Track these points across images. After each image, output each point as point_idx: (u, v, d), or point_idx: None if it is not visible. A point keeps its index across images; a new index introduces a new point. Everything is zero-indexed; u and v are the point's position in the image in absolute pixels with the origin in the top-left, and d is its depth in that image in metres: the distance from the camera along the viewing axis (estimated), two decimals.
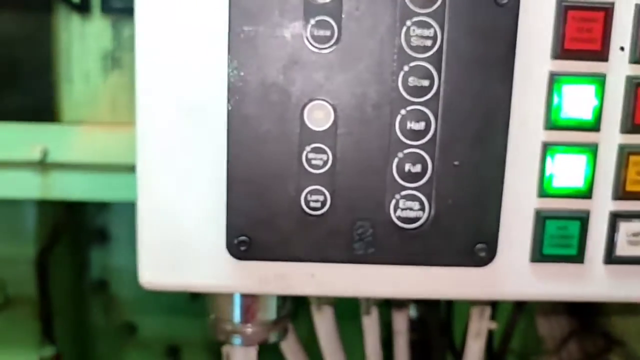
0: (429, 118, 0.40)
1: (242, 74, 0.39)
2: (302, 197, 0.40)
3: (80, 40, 0.87)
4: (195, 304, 1.02)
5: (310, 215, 0.40)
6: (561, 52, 0.40)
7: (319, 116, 0.39)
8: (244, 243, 0.40)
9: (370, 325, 0.61)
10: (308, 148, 0.40)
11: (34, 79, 0.86)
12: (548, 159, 0.42)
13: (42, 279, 0.95)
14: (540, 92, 0.41)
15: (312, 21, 0.38)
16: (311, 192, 0.40)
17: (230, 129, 0.39)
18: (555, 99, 0.41)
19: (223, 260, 0.41)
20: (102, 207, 1.08)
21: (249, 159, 0.40)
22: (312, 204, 0.40)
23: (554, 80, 0.41)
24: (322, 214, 0.40)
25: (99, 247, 1.07)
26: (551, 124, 0.41)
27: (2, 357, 0.97)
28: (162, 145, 0.40)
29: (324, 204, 0.40)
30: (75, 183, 0.88)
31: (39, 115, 0.86)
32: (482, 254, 0.41)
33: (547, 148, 0.42)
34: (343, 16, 0.38)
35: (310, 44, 0.39)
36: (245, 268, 0.41)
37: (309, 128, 0.40)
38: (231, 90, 0.39)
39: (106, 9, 0.87)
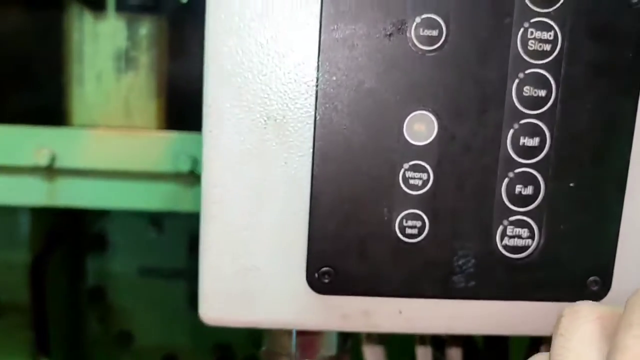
0: (544, 133, 0.35)
1: (334, 78, 0.33)
2: (397, 222, 0.35)
3: (93, 39, 0.81)
4: (193, 313, 0.98)
5: (405, 242, 0.35)
6: None
7: (420, 129, 0.34)
8: (328, 275, 0.35)
9: (424, 355, 0.56)
10: (406, 165, 0.34)
11: (44, 80, 0.80)
12: None
13: (36, 286, 0.91)
14: None
15: (418, 19, 0.33)
16: (407, 217, 0.35)
17: (317, 142, 0.34)
18: None
19: (302, 294, 0.35)
20: (100, 213, 1.03)
21: (337, 177, 0.34)
22: (408, 230, 0.35)
23: None
24: (419, 242, 0.35)
25: (96, 254, 1.03)
26: None
27: None
28: (234, 160, 0.35)
29: (421, 230, 0.35)
30: (84, 190, 0.82)
31: (49, 118, 0.80)
32: (595, 288, 0.36)
33: None
34: (451, 14, 0.33)
35: (414, 45, 0.33)
36: (327, 303, 0.36)
37: (408, 142, 0.34)
38: (320, 97, 0.33)
39: (121, 7, 0.81)
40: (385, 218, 0.35)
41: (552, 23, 0.34)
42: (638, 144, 0.36)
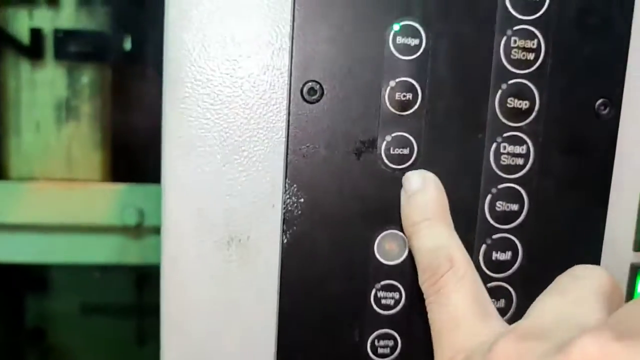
0: (516, 247, 0.34)
1: (301, 200, 0.31)
2: (369, 343, 0.33)
3: (31, 88, 0.77)
4: (141, 352, 0.94)
5: None
6: None
7: (391, 248, 0.33)
8: None
9: None
10: (378, 285, 0.33)
11: None
12: None
13: None
14: (632, 209, 0.36)
15: (388, 137, 0.32)
16: (380, 337, 0.33)
17: (285, 266, 0.32)
18: None
19: None
20: None
21: (305, 301, 0.32)
22: (381, 351, 0.33)
23: None
24: None
25: (36, 293, 1.00)
26: None
27: None
28: (195, 285, 0.32)
29: (393, 350, 0.33)
30: (23, 245, 0.78)
31: None
32: None
33: (637, 272, 0.37)
34: (423, 136, 0.32)
35: (385, 164, 0.32)
36: None
37: (379, 262, 0.33)
38: (288, 220, 0.32)
39: (60, 54, 0.77)
40: (357, 339, 0.33)
41: (524, 137, 0.33)
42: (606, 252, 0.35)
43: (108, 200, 0.73)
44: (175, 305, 0.33)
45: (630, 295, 0.37)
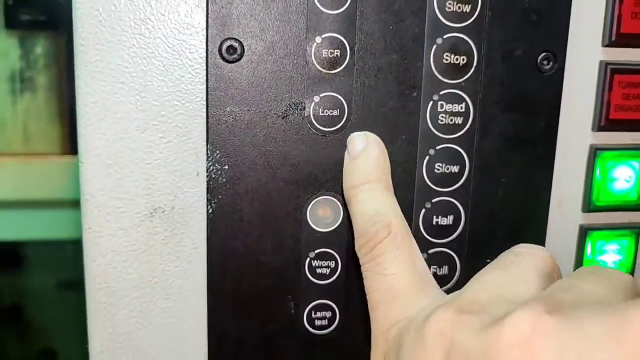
0: (458, 210, 0.32)
1: (225, 167, 0.30)
2: (305, 315, 0.32)
3: None
4: None
5: (316, 336, 0.32)
6: (605, 123, 0.34)
7: (325, 214, 0.31)
8: None
9: None
10: (312, 254, 0.31)
11: None
12: (588, 246, 0.35)
13: None
14: (579, 170, 0.34)
15: (316, 98, 0.30)
16: (316, 308, 0.32)
17: (212, 237, 0.30)
18: (597, 177, 0.34)
19: None
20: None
21: (236, 271, 0.31)
22: (318, 322, 0.32)
23: (596, 155, 0.34)
24: (330, 334, 0.32)
25: (9, 270, 0.98)
26: (591, 205, 0.35)
27: None
28: (118, 256, 0.31)
29: (331, 321, 0.32)
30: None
31: None
32: None
33: (586, 233, 0.35)
34: (353, 96, 0.30)
35: (314, 126, 0.30)
36: None
37: (312, 230, 0.31)
38: (212, 188, 0.30)
39: (12, 23, 0.74)
40: (292, 311, 0.32)
41: (462, 94, 0.31)
42: (552, 211, 0.34)
43: (67, 174, 0.71)
44: (99, 282, 0.31)
45: (579, 257, 0.36)
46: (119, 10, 0.28)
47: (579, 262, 0.36)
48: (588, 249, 0.35)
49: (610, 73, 0.33)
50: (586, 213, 0.35)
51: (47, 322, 0.99)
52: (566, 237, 0.35)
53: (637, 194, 0.35)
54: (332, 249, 0.31)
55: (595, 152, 0.34)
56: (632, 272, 0.36)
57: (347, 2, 0.29)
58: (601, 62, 0.33)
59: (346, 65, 0.30)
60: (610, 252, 0.36)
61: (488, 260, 0.30)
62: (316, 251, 0.31)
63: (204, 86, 0.29)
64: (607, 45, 0.33)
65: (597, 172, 0.34)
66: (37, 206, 0.74)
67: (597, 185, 0.35)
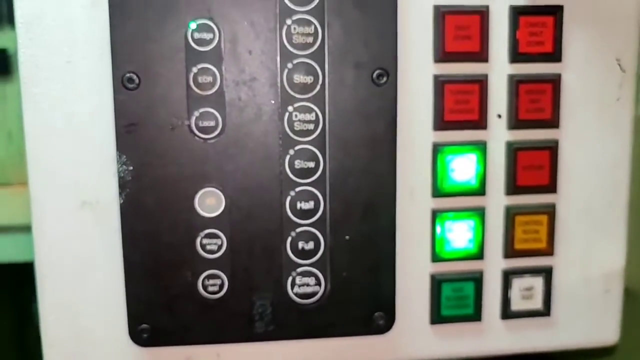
0: (317, 197, 0.41)
1: (130, 168, 0.39)
2: (200, 283, 0.41)
3: (1, 101, 0.86)
4: None
5: (209, 299, 0.41)
6: (441, 123, 0.42)
7: (210, 202, 0.40)
8: (146, 331, 0.41)
9: None
10: (202, 234, 0.41)
11: None
12: (438, 226, 0.43)
13: None
14: (425, 163, 0.43)
15: (197, 113, 0.39)
16: (208, 277, 0.41)
17: (124, 222, 0.40)
18: (440, 168, 0.43)
19: (128, 349, 0.42)
20: None
21: (144, 249, 0.40)
22: (210, 288, 0.41)
23: (437, 150, 0.42)
24: (221, 297, 0.41)
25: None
26: (438, 192, 0.43)
27: None
28: (58, 240, 0.41)
29: (221, 287, 0.41)
30: (5, 246, 0.87)
31: None
32: (381, 322, 0.43)
33: (436, 215, 0.43)
34: (227, 108, 0.39)
35: (196, 135, 0.40)
36: (151, 354, 0.42)
37: (200, 215, 0.40)
38: (122, 184, 0.40)
39: None
40: (190, 280, 0.41)
41: (312, 106, 0.40)
42: (403, 198, 0.42)
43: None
44: (45, 260, 0.41)
45: (433, 236, 0.44)
46: (51, 53, 0.39)
47: (433, 241, 0.44)
48: (438, 229, 0.43)
49: (441, 84, 0.42)
50: (435, 198, 0.43)
51: None
52: (421, 220, 0.43)
53: (477, 182, 0.43)
54: (218, 229, 0.41)
55: (436, 147, 0.43)
56: (482, 249, 0.44)
57: (214, 42, 0.39)
58: (434, 75, 0.42)
59: (217, 88, 0.39)
60: (457, 231, 0.44)
61: (347, 237, 0.39)
62: (205, 231, 0.41)
63: (112, 107, 0.39)
64: (437, 61, 0.42)
65: (438, 164, 0.43)
66: None
67: (441, 174, 0.43)
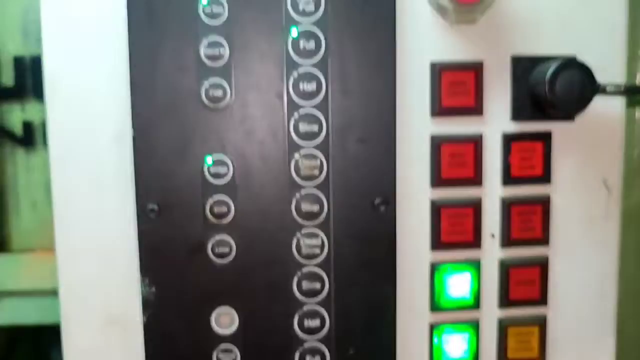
0: (324, 317, 0.44)
1: (152, 289, 0.43)
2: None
3: (26, 172, 0.91)
4: None
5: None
6: (439, 244, 0.46)
7: (225, 321, 0.44)
8: None
9: None
10: (218, 348, 0.44)
11: None
12: (435, 338, 0.47)
13: None
14: (423, 281, 0.46)
15: (212, 240, 0.43)
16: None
17: (147, 339, 0.44)
18: (437, 285, 0.46)
19: None
20: None
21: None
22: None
23: (435, 269, 0.46)
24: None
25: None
26: (435, 306, 0.46)
27: None
28: (86, 349, 0.44)
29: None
30: (27, 309, 0.90)
31: None
32: None
33: (433, 328, 0.47)
34: (239, 233, 0.43)
35: (214, 261, 0.43)
36: None
37: (215, 333, 0.44)
38: (145, 304, 0.43)
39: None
40: None
41: (319, 232, 0.44)
42: (402, 314, 0.46)
43: None
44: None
45: (430, 346, 0.47)
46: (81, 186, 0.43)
47: (430, 353, 0.47)
48: (435, 340, 0.47)
49: (438, 207, 0.45)
50: (433, 312, 0.47)
51: None
52: (418, 332, 0.47)
53: (472, 297, 0.47)
54: (233, 344, 0.44)
55: (433, 267, 0.46)
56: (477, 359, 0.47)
57: (229, 176, 0.43)
58: (431, 200, 0.46)
59: (232, 217, 0.43)
60: (453, 343, 0.47)
61: (351, 352, 0.43)
62: (221, 346, 0.44)
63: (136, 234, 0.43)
64: (434, 186, 0.45)
65: (436, 281, 0.46)
66: None
67: (438, 291, 0.46)
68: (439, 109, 0.45)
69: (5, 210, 0.91)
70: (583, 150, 0.47)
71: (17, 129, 0.90)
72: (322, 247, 0.44)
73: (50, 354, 1.10)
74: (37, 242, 0.92)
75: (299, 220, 0.44)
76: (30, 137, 0.90)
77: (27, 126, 0.90)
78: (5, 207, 0.91)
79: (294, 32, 0.42)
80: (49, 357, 1.10)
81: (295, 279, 0.44)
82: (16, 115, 0.88)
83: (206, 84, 0.42)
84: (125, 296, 0.44)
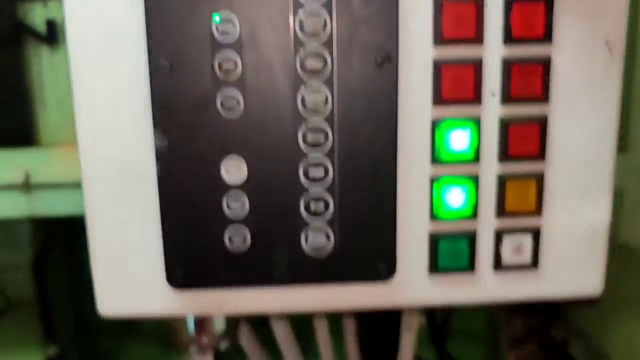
0: (327, 167, 0.47)
1: (165, 143, 0.46)
2: (226, 237, 0.48)
3: (51, 68, 0.93)
4: None
5: (234, 251, 0.48)
6: (440, 100, 0.48)
7: (233, 170, 0.47)
8: (180, 275, 0.49)
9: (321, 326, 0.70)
10: (227, 197, 0.47)
11: (11, 107, 0.93)
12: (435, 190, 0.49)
13: (39, 283, 1.03)
14: (425, 134, 0.48)
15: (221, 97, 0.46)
16: (233, 232, 0.48)
17: (161, 189, 0.47)
18: (438, 139, 0.48)
19: (165, 290, 0.49)
20: None
21: (179, 209, 0.47)
22: (236, 242, 0.48)
23: (435, 125, 0.48)
24: (245, 250, 0.48)
25: None
26: (436, 159, 0.49)
27: (8, 358, 1.05)
28: (106, 199, 0.48)
29: (244, 241, 0.48)
30: (58, 201, 0.95)
31: (19, 140, 0.93)
32: (384, 270, 0.49)
33: (433, 180, 0.49)
34: (247, 86, 0.46)
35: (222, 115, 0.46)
36: (184, 296, 0.49)
37: (225, 182, 0.47)
38: (158, 157, 0.46)
39: None
40: (218, 233, 0.48)
41: (323, 88, 0.46)
42: (403, 165, 0.48)
43: None
44: (94, 216, 0.48)
45: (430, 197, 0.49)
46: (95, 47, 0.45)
47: (430, 203, 0.50)
48: (435, 193, 0.49)
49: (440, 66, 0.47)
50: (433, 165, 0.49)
51: None
52: (419, 184, 0.49)
53: (472, 152, 0.49)
54: (242, 191, 0.47)
55: (434, 122, 0.48)
56: (475, 210, 0.50)
57: (237, 34, 0.45)
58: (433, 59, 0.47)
59: (240, 74, 0.45)
60: (453, 193, 0.49)
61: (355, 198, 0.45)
62: (229, 194, 0.47)
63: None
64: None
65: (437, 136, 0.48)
66: None
67: (439, 145, 0.48)
68: None
69: (34, 106, 0.94)
70: (586, 11, 0.48)
71: (41, 28, 0.92)
72: (325, 101, 0.46)
73: (82, 255, 1.16)
74: (65, 138, 0.96)
75: (303, 76, 0.46)
76: (54, 35, 0.92)
77: (51, 24, 0.92)
78: (33, 103, 0.94)
79: None
80: (83, 249, 1.16)
81: (301, 132, 0.46)
82: (39, 14, 0.90)
83: None
84: (140, 148, 0.47)
